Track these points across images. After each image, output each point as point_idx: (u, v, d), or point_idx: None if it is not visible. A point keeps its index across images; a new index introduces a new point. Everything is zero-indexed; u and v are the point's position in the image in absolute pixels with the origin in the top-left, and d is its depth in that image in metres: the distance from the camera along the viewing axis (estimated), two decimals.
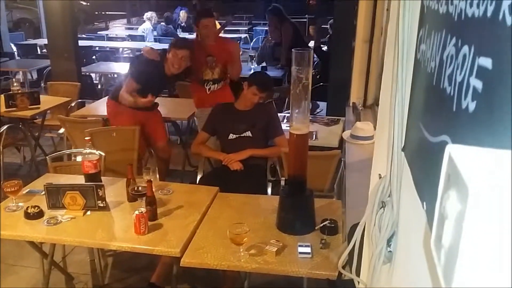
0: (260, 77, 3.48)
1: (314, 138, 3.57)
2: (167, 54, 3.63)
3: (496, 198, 0.30)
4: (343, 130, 3.69)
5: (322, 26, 10.38)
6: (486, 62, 0.42)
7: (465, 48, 0.49)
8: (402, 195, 0.88)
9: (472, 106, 0.46)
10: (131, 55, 9.20)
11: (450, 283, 0.32)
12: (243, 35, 11.58)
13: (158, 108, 4.09)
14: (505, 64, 0.38)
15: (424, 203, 0.63)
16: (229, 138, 3.30)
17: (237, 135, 3.28)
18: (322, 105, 5.77)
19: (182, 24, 10.51)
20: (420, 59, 0.76)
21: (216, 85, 4.01)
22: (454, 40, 0.54)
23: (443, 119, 0.56)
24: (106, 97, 5.07)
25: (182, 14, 10.72)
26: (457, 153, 0.36)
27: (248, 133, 3.27)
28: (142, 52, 3.79)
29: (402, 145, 0.86)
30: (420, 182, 0.70)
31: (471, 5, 0.49)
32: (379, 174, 1.05)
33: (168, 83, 4.35)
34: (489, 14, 0.43)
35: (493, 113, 0.39)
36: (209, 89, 4.02)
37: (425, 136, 0.67)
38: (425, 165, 0.66)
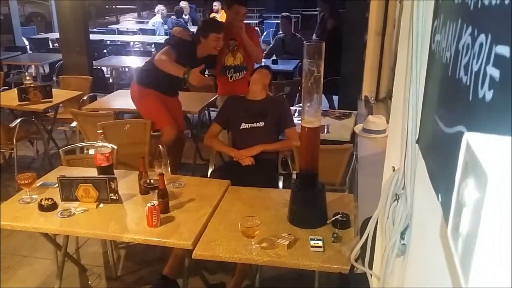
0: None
1: (326, 132, 3.56)
2: (203, 38, 3.60)
3: None
4: (355, 124, 3.67)
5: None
6: (503, 50, 0.41)
7: (482, 37, 0.49)
8: (416, 188, 0.87)
9: (489, 95, 0.45)
10: (142, 49, 9.23)
11: (468, 272, 0.32)
12: None
13: None
14: None
15: (440, 195, 0.63)
16: (241, 128, 3.30)
17: (249, 125, 3.28)
18: (333, 98, 5.74)
19: (186, 17, 10.47)
20: (435, 50, 0.75)
21: (238, 74, 4.01)
22: (470, 29, 0.54)
23: (459, 109, 0.56)
24: (118, 91, 5.11)
25: (183, 4, 10.68)
26: (474, 141, 0.35)
27: (261, 123, 3.27)
28: (173, 33, 3.78)
29: (417, 137, 0.86)
30: (435, 174, 0.69)
31: None
32: (393, 167, 1.04)
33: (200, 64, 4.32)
34: (506, 1, 0.42)
35: (510, 101, 0.39)
36: (231, 77, 4.01)
37: (440, 128, 0.66)
38: (440, 156, 0.65)
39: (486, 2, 0.48)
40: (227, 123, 3.42)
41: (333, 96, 5.74)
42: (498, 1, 0.44)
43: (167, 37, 9.19)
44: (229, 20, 3.94)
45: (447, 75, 0.63)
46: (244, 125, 3.30)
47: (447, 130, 0.62)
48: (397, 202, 0.96)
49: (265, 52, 6.69)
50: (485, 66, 0.46)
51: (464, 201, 0.35)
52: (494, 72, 0.43)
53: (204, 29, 3.65)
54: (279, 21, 7.80)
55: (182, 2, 10.80)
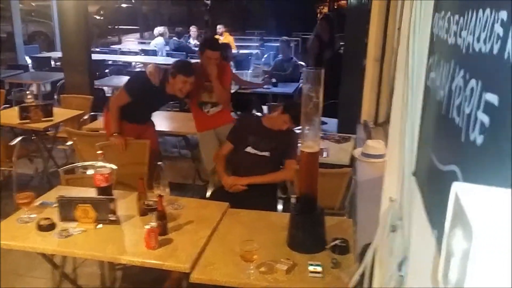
0: (295, 108, 3.40)
1: (324, 156, 3.58)
2: (171, 77, 3.59)
3: (500, 238, 0.31)
4: (354, 148, 3.69)
5: None
6: (492, 98, 0.43)
7: (473, 82, 0.51)
8: (413, 220, 0.88)
9: (480, 139, 0.47)
10: (143, 70, 9.30)
11: None
12: (254, 51, 11.68)
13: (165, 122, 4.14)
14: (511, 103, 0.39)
15: (436, 231, 0.64)
16: (246, 150, 3.30)
17: (255, 151, 3.28)
18: (332, 121, 5.77)
19: (194, 42, 10.63)
20: (430, 86, 0.78)
21: (215, 108, 3.97)
22: (462, 72, 0.56)
23: (452, 148, 0.57)
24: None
25: (193, 30, 10.86)
26: (463, 192, 0.37)
27: (267, 153, 3.26)
28: (146, 69, 3.81)
29: (413, 170, 0.87)
30: (431, 209, 0.70)
31: (478, 40, 0.50)
32: (390, 197, 1.05)
33: (164, 102, 4.36)
34: (495, 51, 0.44)
35: (500, 149, 0.41)
36: (208, 111, 3.98)
37: (435, 164, 0.68)
38: (435, 192, 0.67)
39: (477, 48, 0.50)
40: (236, 141, 3.41)
41: (332, 119, 5.79)
42: (487, 50, 0.47)
43: (168, 57, 9.32)
44: (204, 66, 3.85)
45: (441, 113, 0.66)
46: (249, 149, 3.29)
47: (441, 167, 0.63)
48: (395, 233, 0.97)
49: (267, 76, 6.77)
50: (476, 110, 0.48)
51: (453, 250, 0.36)
52: (484, 118, 0.45)
53: (174, 69, 3.62)
54: (279, 44, 7.90)
55: (192, 27, 10.97)
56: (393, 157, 1.08)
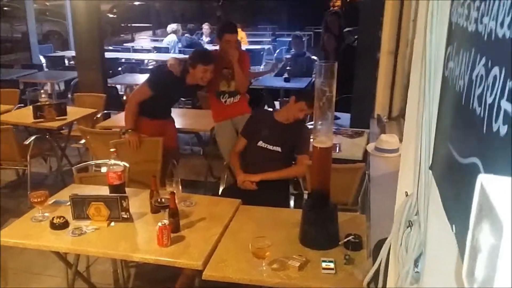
0: (307, 94, 3.38)
1: (337, 151, 3.54)
2: (191, 68, 3.64)
3: None
4: (367, 143, 3.65)
5: None
6: None
7: (496, 70, 0.48)
8: (429, 215, 0.85)
9: (503, 129, 0.44)
10: (162, 64, 9.33)
11: None
12: (266, 46, 11.64)
13: (178, 119, 4.14)
14: None
15: (454, 225, 0.61)
16: (258, 144, 3.29)
17: (266, 145, 3.26)
18: (345, 116, 5.73)
19: (207, 39, 10.64)
20: (448, 77, 0.74)
21: (232, 98, 4.00)
22: (483, 60, 0.53)
23: (473, 140, 0.54)
24: None
25: (205, 28, 10.86)
26: (489, 184, 0.34)
27: (278, 148, 3.24)
28: (167, 63, 3.82)
29: (430, 164, 0.84)
30: (449, 204, 0.67)
31: (501, 26, 0.47)
32: (406, 192, 1.02)
33: (186, 94, 4.36)
34: None
35: None
36: (225, 102, 4.01)
37: (453, 156, 0.65)
38: (454, 186, 0.64)
39: (500, 34, 0.47)
40: (249, 135, 3.41)
41: (345, 114, 5.75)
42: None
43: (180, 54, 9.34)
44: (222, 50, 3.92)
45: (460, 104, 0.62)
46: (261, 143, 3.28)
47: (461, 160, 0.60)
48: (411, 228, 0.94)
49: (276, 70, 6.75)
50: (499, 99, 0.45)
51: (480, 246, 0.34)
52: (508, 107, 0.42)
53: (192, 60, 3.67)
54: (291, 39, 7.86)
55: (204, 25, 10.96)
56: (409, 151, 1.05)
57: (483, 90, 0.51)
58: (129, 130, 3.69)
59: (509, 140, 0.42)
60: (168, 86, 3.70)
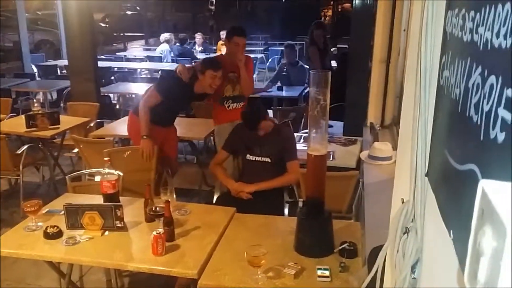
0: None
1: (331, 159, 3.56)
2: (200, 74, 3.69)
3: None
4: (361, 151, 3.67)
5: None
6: None
7: (492, 78, 0.49)
8: (426, 222, 0.87)
9: (501, 137, 0.45)
10: (149, 76, 9.36)
11: None
12: (259, 55, 11.69)
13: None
14: None
15: (451, 231, 0.62)
16: (247, 158, 3.30)
17: (254, 158, 3.26)
18: (338, 124, 5.76)
19: (199, 49, 10.69)
20: (444, 85, 0.76)
21: (235, 104, 4.05)
22: (480, 69, 0.54)
23: (470, 147, 0.56)
24: (125, 117, 5.18)
25: (198, 37, 10.92)
26: (490, 189, 0.35)
27: (267, 159, 3.23)
28: (176, 69, 3.87)
29: (426, 171, 0.86)
30: (446, 210, 0.69)
31: (497, 36, 0.48)
32: (402, 199, 1.04)
33: (191, 100, 4.37)
34: None
35: None
36: (228, 107, 4.06)
37: (450, 163, 0.66)
38: (451, 192, 0.65)
39: (496, 44, 0.49)
40: (234, 150, 3.42)
41: (338, 122, 5.80)
42: (508, 45, 0.45)
43: (173, 63, 9.36)
44: (230, 52, 4.00)
45: (457, 112, 0.64)
46: (250, 157, 3.29)
47: (458, 166, 0.62)
48: (407, 235, 0.96)
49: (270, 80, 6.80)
50: (496, 107, 0.46)
51: (482, 250, 0.35)
52: (505, 114, 0.44)
53: (202, 66, 3.74)
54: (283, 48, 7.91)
55: (197, 34, 11.02)
56: (404, 158, 1.06)
57: (480, 98, 0.52)
58: (144, 137, 3.64)
59: (507, 147, 0.43)
60: (175, 92, 3.73)
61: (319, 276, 2.05)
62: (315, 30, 6.48)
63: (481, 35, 0.54)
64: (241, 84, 3.99)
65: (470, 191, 0.50)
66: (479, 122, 0.53)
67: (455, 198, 0.63)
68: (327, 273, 2.06)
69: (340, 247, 2.21)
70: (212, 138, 5.71)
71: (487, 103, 0.49)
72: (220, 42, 10.69)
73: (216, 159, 3.43)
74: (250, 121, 3.16)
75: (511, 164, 0.42)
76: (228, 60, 3.96)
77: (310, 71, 2.21)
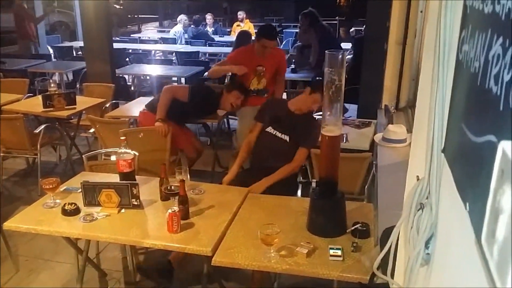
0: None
1: (344, 141, 3.55)
2: (226, 91, 3.95)
3: None
4: (375, 133, 3.66)
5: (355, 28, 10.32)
6: None
7: None
8: (441, 197, 0.87)
9: None
10: (163, 57, 9.37)
11: (505, 276, 0.32)
12: None
13: None
14: None
15: (467, 203, 0.63)
16: (267, 130, 3.28)
17: (275, 132, 3.25)
18: (353, 107, 5.73)
19: (211, 30, 10.64)
20: (463, 60, 0.76)
21: (259, 97, 4.18)
22: (501, 39, 0.54)
23: (489, 118, 0.56)
24: (140, 98, 5.22)
25: (209, 18, 10.85)
26: (510, 149, 0.36)
27: (286, 137, 3.22)
28: (208, 72, 4.02)
29: (442, 147, 0.86)
30: (462, 183, 0.69)
31: None
32: (417, 176, 1.04)
33: (206, 115, 4.43)
34: None
35: None
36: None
37: (468, 137, 0.66)
38: (468, 165, 0.65)
39: None
40: (264, 120, 3.41)
41: (352, 105, 5.77)
42: None
43: (187, 45, 9.34)
44: (258, 51, 4.11)
45: (475, 85, 0.64)
46: (270, 129, 3.27)
47: (476, 139, 0.62)
48: (422, 211, 0.96)
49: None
50: None
51: (502, 208, 0.35)
52: None
53: (229, 85, 4.00)
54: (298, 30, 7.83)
55: (207, 15, 10.96)
56: (420, 135, 1.06)
57: (500, 69, 0.52)
58: (160, 119, 3.77)
59: None
60: (203, 98, 3.91)
61: (331, 256, 2.07)
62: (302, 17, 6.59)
63: (503, 5, 0.54)
64: (276, 89, 4.20)
65: (488, 161, 0.50)
66: (498, 93, 0.53)
67: (472, 170, 0.63)
68: (339, 252, 2.08)
69: (353, 228, 2.22)
70: (225, 120, 5.74)
71: (508, 73, 0.50)
72: (236, 23, 10.63)
73: (252, 132, 3.39)
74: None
75: None
76: (256, 53, 4.01)
77: (326, 51, 2.20)
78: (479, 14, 0.66)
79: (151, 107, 3.98)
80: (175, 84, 5.92)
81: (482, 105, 0.60)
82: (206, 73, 4.38)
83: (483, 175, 0.51)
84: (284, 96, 6.13)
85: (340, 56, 2.17)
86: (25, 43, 8.80)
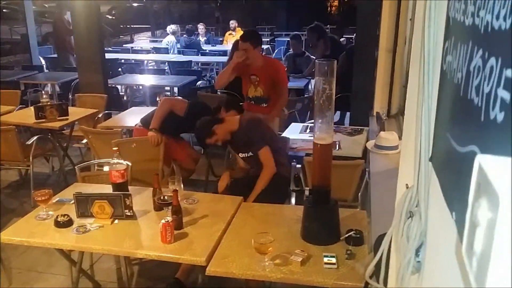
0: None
1: (337, 148, 3.57)
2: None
3: None
4: (367, 140, 3.68)
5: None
6: None
7: (492, 60, 0.50)
8: (430, 205, 0.88)
9: (500, 116, 0.47)
10: (155, 67, 9.37)
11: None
12: (265, 46, 11.65)
13: None
14: None
15: (454, 213, 0.64)
16: (240, 156, 3.37)
17: (242, 154, 3.32)
18: (344, 115, 5.77)
19: (203, 39, 10.69)
20: (446, 70, 0.77)
21: (257, 105, 4.18)
22: (481, 52, 0.55)
23: (471, 129, 0.57)
24: (132, 108, 5.22)
25: (201, 27, 10.90)
26: (486, 163, 0.37)
27: (250, 154, 3.24)
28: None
29: (430, 155, 0.87)
30: (449, 192, 0.70)
31: (497, 18, 0.50)
32: (406, 184, 1.05)
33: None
34: None
35: None
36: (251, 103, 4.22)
37: (453, 146, 0.67)
38: (453, 175, 0.66)
39: (496, 26, 0.50)
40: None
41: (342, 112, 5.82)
42: (507, 26, 0.46)
43: (179, 55, 9.35)
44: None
45: (459, 95, 0.65)
46: (241, 155, 3.36)
47: (460, 149, 0.63)
48: (411, 219, 0.97)
49: None
50: (495, 88, 0.48)
51: (478, 221, 0.36)
52: (504, 94, 0.45)
53: (227, 102, 3.84)
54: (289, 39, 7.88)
55: (199, 25, 11.01)
56: (409, 144, 1.08)
57: (481, 80, 0.54)
58: (153, 129, 3.79)
59: (505, 126, 0.45)
60: (198, 117, 3.82)
61: (326, 263, 2.08)
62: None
63: (482, 18, 0.55)
64: (276, 100, 4.14)
65: (470, 171, 0.51)
66: (479, 104, 0.54)
67: (457, 180, 0.64)
68: (333, 260, 2.09)
69: (347, 235, 2.23)
70: None
71: (488, 85, 0.51)
72: (228, 32, 10.67)
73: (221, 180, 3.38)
74: (200, 140, 3.34)
75: (510, 142, 0.43)
76: (246, 63, 4.04)
77: (316, 61, 2.22)
78: (460, 26, 0.67)
79: (145, 123, 3.98)
80: (176, 96, 5.93)
81: (465, 116, 0.62)
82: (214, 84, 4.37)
83: (467, 185, 0.52)
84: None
85: (330, 65, 2.19)
86: (64, 55, 8.81)
